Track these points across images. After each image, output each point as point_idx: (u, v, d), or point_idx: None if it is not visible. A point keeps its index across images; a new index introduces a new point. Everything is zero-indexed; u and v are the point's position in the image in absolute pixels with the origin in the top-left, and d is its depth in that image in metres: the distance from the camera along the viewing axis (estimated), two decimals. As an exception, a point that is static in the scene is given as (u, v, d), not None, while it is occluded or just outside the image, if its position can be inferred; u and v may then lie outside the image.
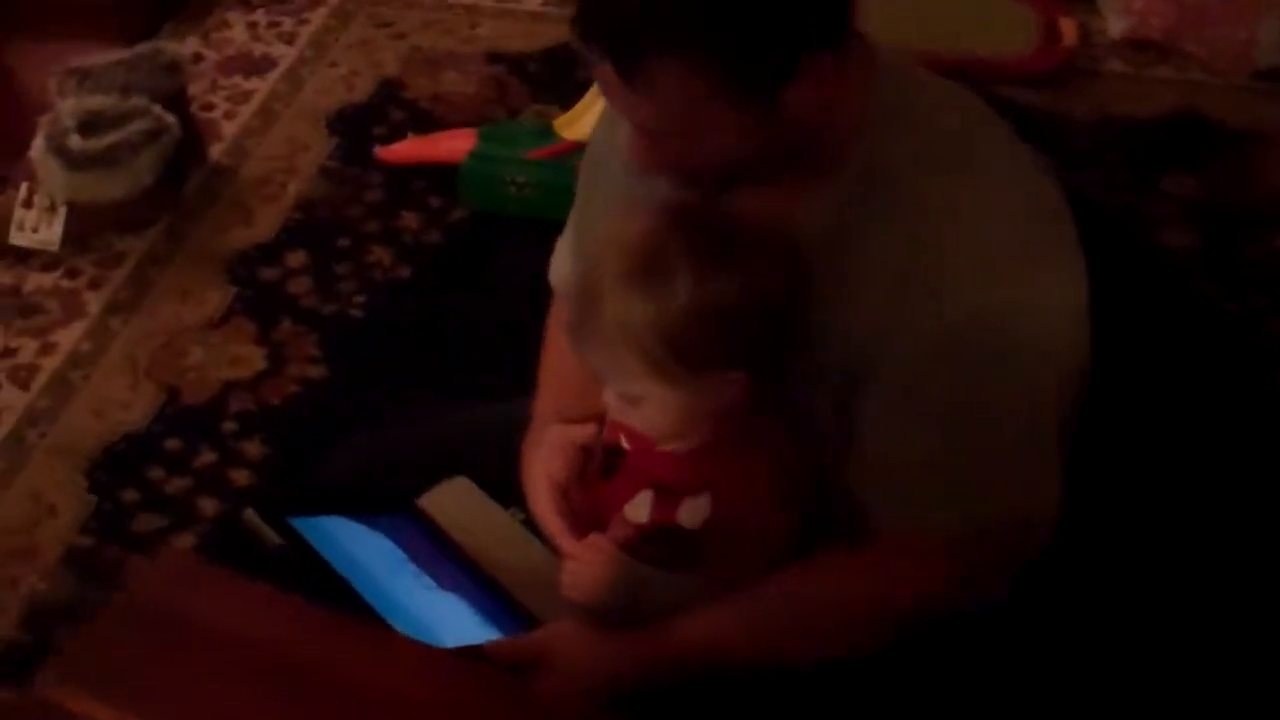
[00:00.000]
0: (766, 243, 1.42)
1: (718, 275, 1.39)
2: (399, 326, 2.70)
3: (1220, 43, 3.14)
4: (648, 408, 1.47)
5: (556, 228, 1.80)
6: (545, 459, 1.63)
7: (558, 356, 1.74)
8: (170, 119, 2.86)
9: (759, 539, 1.52)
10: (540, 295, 1.83)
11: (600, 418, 1.61)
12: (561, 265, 1.77)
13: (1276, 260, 2.76)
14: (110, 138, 2.79)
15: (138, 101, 2.85)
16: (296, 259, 2.84)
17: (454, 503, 1.71)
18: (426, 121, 3.12)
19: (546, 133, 2.90)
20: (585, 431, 1.64)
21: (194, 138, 2.99)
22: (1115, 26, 3.24)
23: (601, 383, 1.50)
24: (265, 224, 2.92)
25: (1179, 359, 2.24)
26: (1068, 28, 3.18)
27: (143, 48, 2.98)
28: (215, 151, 3.07)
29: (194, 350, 2.66)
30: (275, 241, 2.88)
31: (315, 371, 2.62)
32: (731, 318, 1.40)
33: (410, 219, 2.91)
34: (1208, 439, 1.90)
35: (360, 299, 2.75)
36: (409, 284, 2.79)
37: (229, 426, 2.51)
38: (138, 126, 2.82)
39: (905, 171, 1.39)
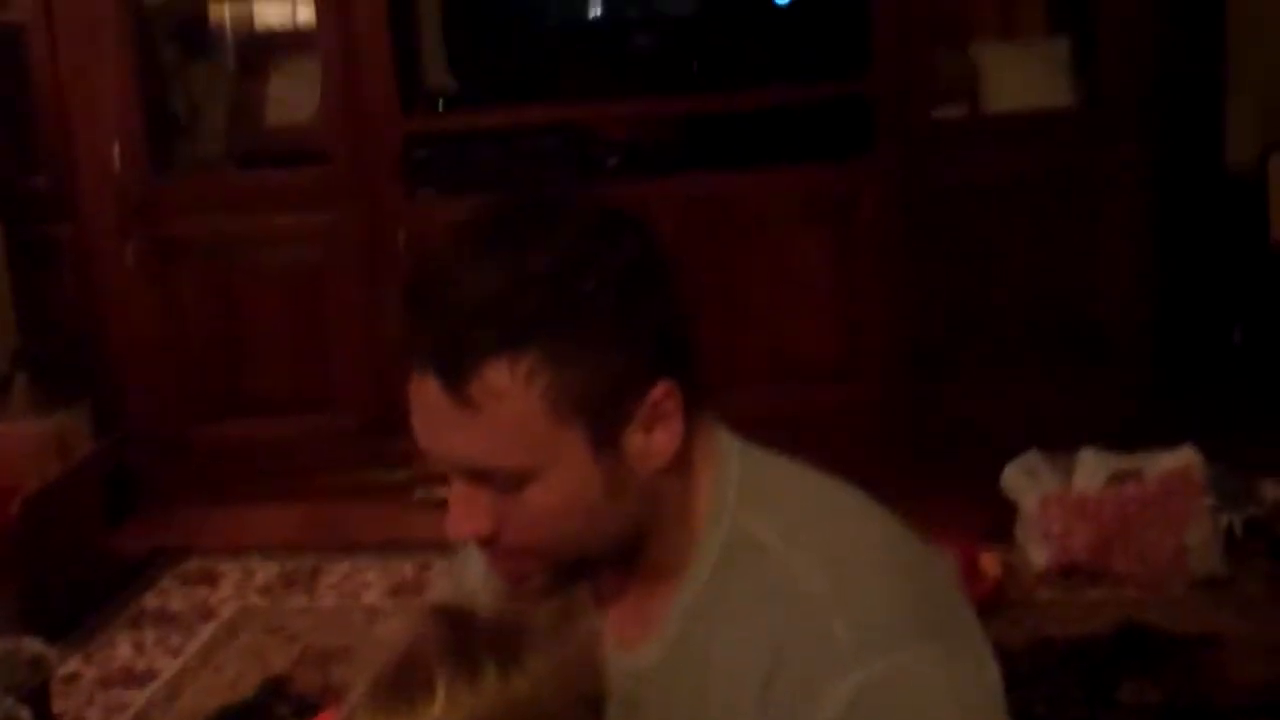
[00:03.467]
0: (552, 646, 1.22)
1: (478, 680, 1.18)
2: None
3: (1151, 556, 3.01)
4: None
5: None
6: None
7: None
8: (24, 713, 2.63)
9: None
10: None
11: None
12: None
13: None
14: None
15: (-11, 693, 2.64)
16: None
17: None
18: (314, 714, 2.89)
19: None
20: None
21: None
22: (1038, 557, 3.12)
23: None
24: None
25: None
26: (989, 564, 3.06)
27: (2, 642, 2.80)
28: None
29: None
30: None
31: None
32: None
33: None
34: None
35: None
36: None
37: None
38: (-15, 720, 2.59)
39: (768, 552, 1.23)
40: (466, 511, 1.22)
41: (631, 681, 1.27)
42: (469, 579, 1.43)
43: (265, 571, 3.56)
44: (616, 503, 1.21)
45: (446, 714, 1.18)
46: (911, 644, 1.18)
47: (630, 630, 1.29)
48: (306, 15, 4.05)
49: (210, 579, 3.55)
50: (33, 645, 2.86)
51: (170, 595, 3.49)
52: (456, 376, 1.15)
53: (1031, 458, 3.26)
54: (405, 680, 1.19)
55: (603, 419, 1.18)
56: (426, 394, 1.17)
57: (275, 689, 3.00)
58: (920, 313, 3.79)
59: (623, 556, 1.26)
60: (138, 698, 3.04)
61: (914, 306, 3.78)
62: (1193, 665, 2.74)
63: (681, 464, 1.23)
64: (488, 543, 1.23)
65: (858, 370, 3.82)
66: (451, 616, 1.25)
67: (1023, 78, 3.84)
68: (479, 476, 1.19)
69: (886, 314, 3.80)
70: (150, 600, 3.47)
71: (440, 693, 1.18)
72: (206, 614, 3.37)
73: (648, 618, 1.28)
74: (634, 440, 1.20)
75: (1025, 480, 3.21)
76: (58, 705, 2.85)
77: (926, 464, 3.50)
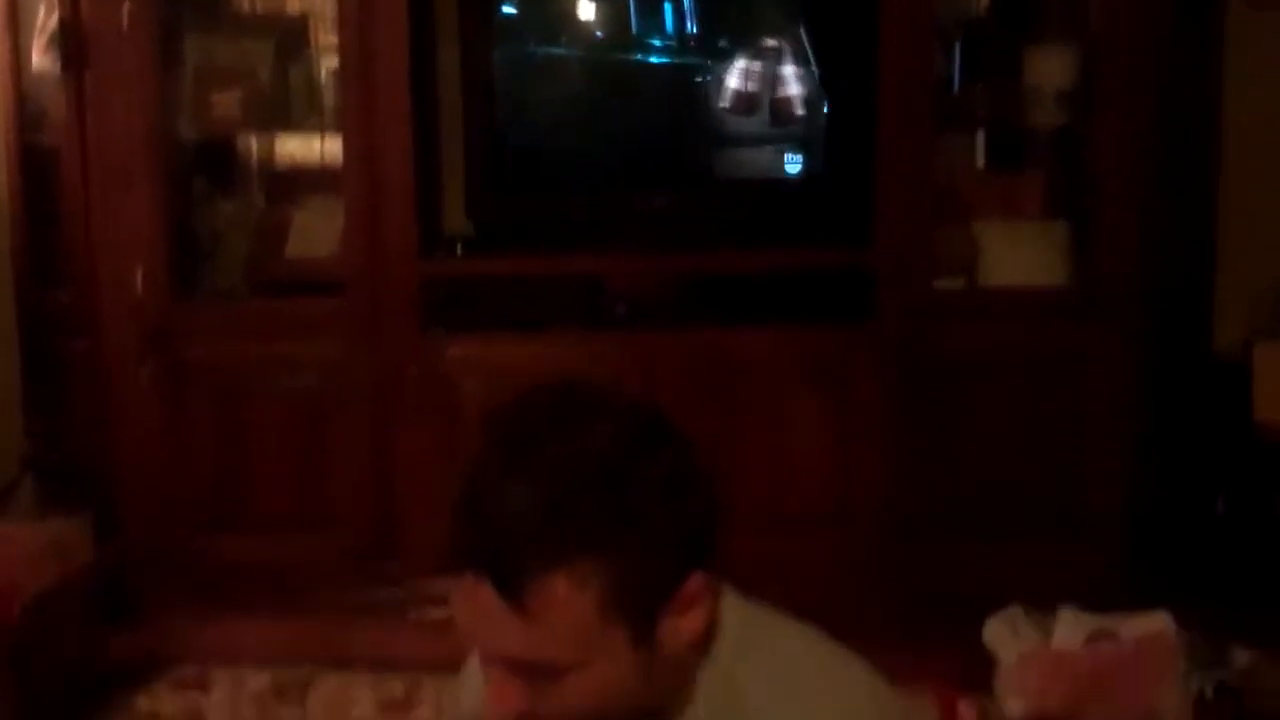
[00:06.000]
0: None
1: None
2: None
3: (1123, 715, 3.06)
4: None
5: None
6: None
7: None
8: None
9: None
10: None
11: None
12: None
13: None
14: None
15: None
16: None
17: None
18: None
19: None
20: None
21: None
22: (1013, 708, 3.18)
23: None
24: None
25: None
26: (966, 713, 3.11)
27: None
28: None
29: None
30: None
31: None
32: None
33: None
34: None
35: None
36: None
37: None
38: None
39: (755, 703, 1.32)
40: (507, 693, 1.28)
41: None
42: (466, 701, 1.51)
43: (257, 681, 3.59)
44: (648, 684, 1.29)
45: None
46: None
47: None
48: (333, 152, 4.19)
49: (203, 686, 3.59)
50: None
51: (163, 700, 3.53)
52: (514, 587, 1.22)
53: (1013, 613, 3.34)
54: None
55: (644, 613, 1.26)
56: (480, 597, 1.24)
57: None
58: (911, 473, 3.90)
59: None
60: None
61: (905, 466, 3.90)
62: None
63: (702, 638, 1.32)
64: (523, 717, 1.30)
65: (849, 523, 3.93)
66: None
67: (1020, 256, 4.00)
68: (524, 667, 1.27)
69: (879, 472, 3.91)
70: (143, 703, 3.51)
71: None
72: (198, 720, 3.42)
73: None
74: (667, 626, 1.28)
75: (1006, 634, 3.29)
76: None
77: (912, 613, 3.57)
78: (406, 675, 3.54)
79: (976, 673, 3.31)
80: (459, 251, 4.11)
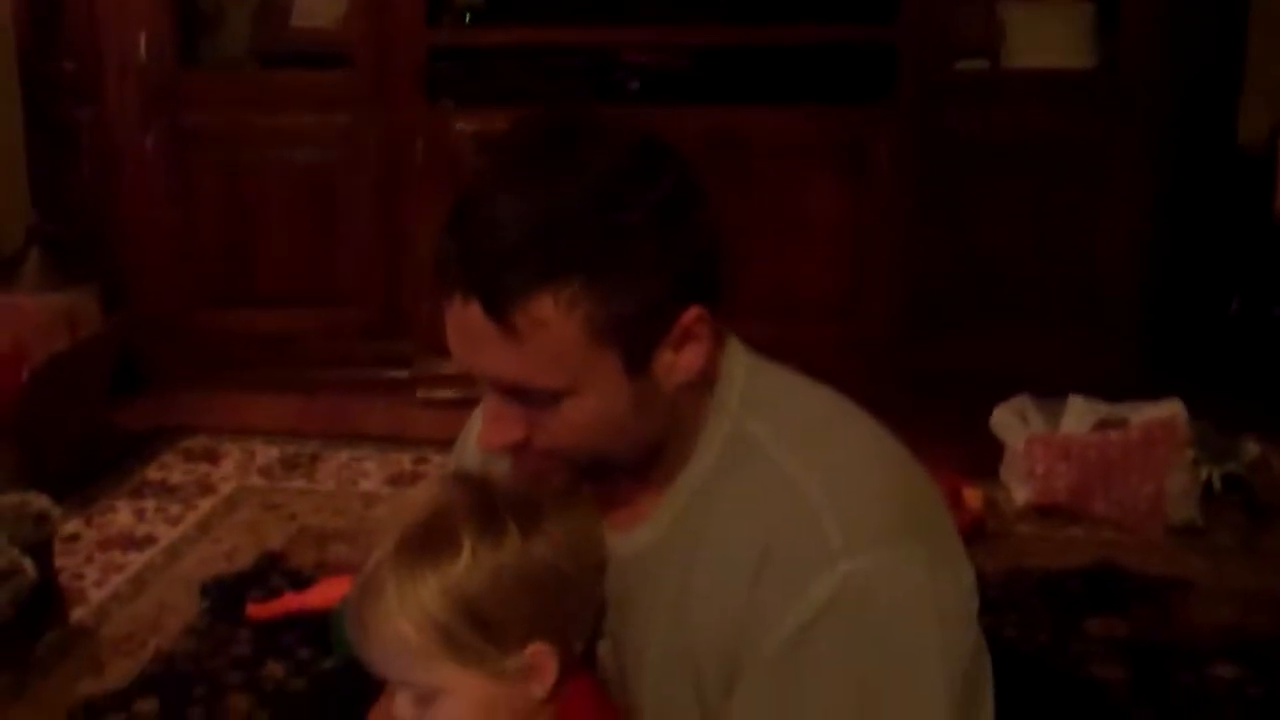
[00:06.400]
0: (564, 517, 1.31)
1: (502, 539, 1.27)
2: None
3: (1129, 501, 3.08)
4: (444, 704, 1.28)
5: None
6: None
7: None
8: (27, 563, 2.69)
9: None
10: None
11: None
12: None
13: (1211, 688, 2.55)
14: (-43, 574, 2.62)
15: (-6, 540, 2.71)
16: (146, 705, 2.58)
17: None
18: (308, 587, 2.95)
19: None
20: None
21: (54, 594, 2.81)
22: (1019, 493, 3.20)
23: (391, 690, 1.33)
24: (118, 675, 2.68)
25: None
26: (972, 497, 3.12)
27: (9, 497, 2.86)
28: (77, 614, 2.87)
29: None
30: (125, 690, 2.63)
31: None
32: (525, 581, 1.27)
33: (276, 669, 2.68)
34: None
35: (208, 736, 2.49)
36: (265, 725, 2.53)
37: None
38: (-11, 563, 2.65)
39: (765, 449, 1.29)
40: (501, 423, 1.27)
41: (620, 566, 1.34)
42: (469, 445, 1.50)
43: (266, 454, 3.63)
44: (642, 416, 1.26)
45: (470, 571, 1.25)
46: (899, 544, 1.23)
47: (622, 520, 1.35)
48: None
49: (212, 457, 3.62)
50: (39, 501, 2.91)
51: (172, 469, 3.56)
52: (501, 307, 1.19)
53: (1022, 401, 3.33)
54: (431, 538, 1.27)
55: (637, 342, 1.22)
56: (468, 319, 1.21)
57: (272, 563, 3.06)
58: (925, 257, 3.85)
59: (638, 462, 1.31)
60: (136, 560, 3.11)
61: (919, 251, 3.85)
62: (1161, 605, 2.81)
63: (700, 377, 1.29)
64: (517, 449, 1.28)
65: (860, 309, 3.89)
66: (474, 483, 1.33)
67: (1045, 37, 3.89)
68: (515, 393, 1.24)
69: (892, 257, 3.86)
70: (152, 472, 3.54)
71: (465, 550, 1.26)
72: (207, 489, 3.44)
73: (643, 508, 1.34)
74: (663, 359, 1.24)
75: (1014, 421, 3.28)
76: (58, 562, 2.91)
77: (920, 401, 3.56)
78: (413, 451, 3.56)
79: (983, 462, 3.31)
80: (467, 21, 3.99)
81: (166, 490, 3.45)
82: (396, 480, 3.40)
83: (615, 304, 1.20)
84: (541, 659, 1.28)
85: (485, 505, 1.28)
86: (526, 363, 1.21)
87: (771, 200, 3.88)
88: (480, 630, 1.25)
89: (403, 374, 3.92)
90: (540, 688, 1.29)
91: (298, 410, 3.88)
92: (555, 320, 1.19)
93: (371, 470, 3.51)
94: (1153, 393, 3.32)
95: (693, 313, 1.24)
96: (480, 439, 1.31)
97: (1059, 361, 3.74)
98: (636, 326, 1.22)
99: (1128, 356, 3.76)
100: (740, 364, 1.33)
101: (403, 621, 1.25)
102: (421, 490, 1.33)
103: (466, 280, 1.20)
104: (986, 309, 3.87)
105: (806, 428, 1.31)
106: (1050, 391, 3.38)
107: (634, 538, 1.33)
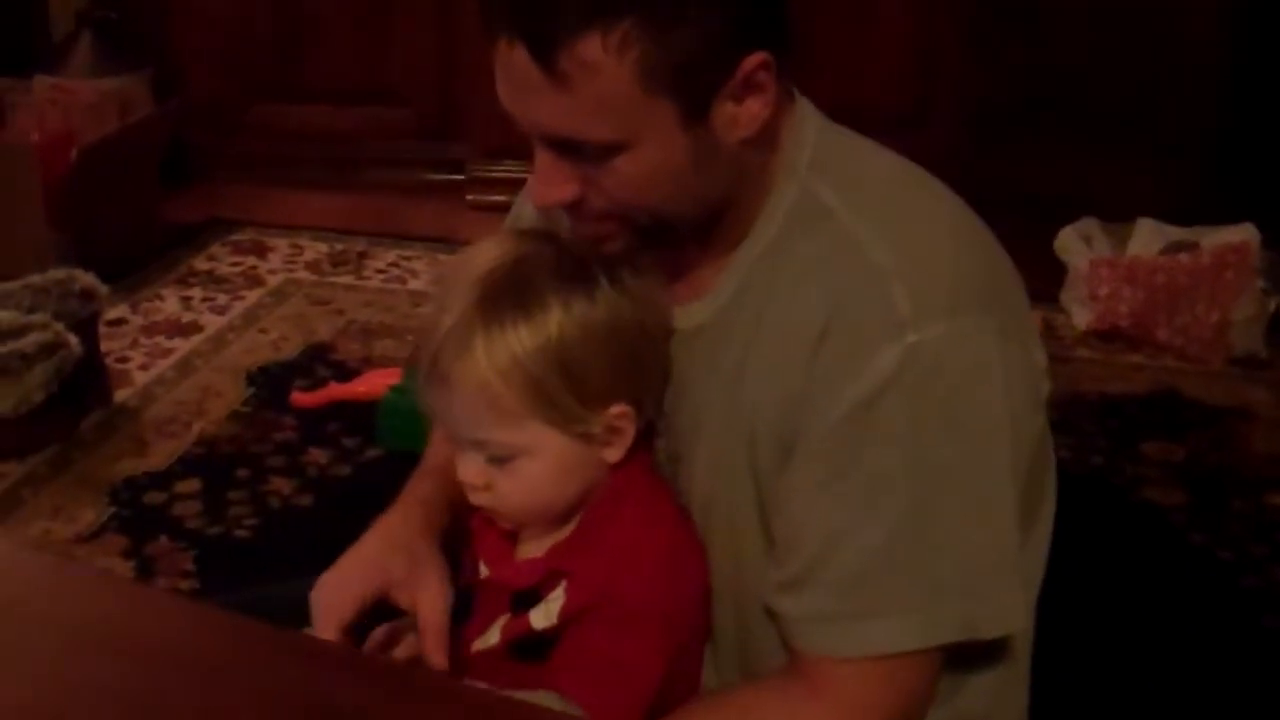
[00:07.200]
0: (636, 267, 1.25)
1: (593, 291, 1.22)
2: (288, 550, 2.41)
3: (1193, 329, 2.99)
4: (520, 465, 1.24)
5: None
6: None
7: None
8: (71, 338, 2.68)
9: (641, 623, 1.24)
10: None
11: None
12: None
13: (1269, 514, 2.50)
14: (3, 347, 2.61)
15: (38, 316, 2.69)
16: (188, 486, 2.59)
17: None
18: (354, 379, 2.94)
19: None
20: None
21: (98, 372, 2.81)
22: (1080, 317, 3.12)
23: (460, 449, 1.27)
24: (160, 456, 2.68)
25: (1169, 602, 2.29)
26: (1032, 318, 3.04)
27: (56, 273, 2.84)
28: (122, 395, 2.87)
29: (53, 559, 2.37)
30: (167, 470, 2.64)
31: (185, 585, 2.32)
32: (615, 335, 1.22)
33: (319, 455, 2.68)
34: (1202, 678, 1.96)
35: (251, 522, 2.49)
36: (308, 512, 2.53)
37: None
38: (34, 339, 2.63)
39: (834, 214, 1.21)
40: (553, 179, 1.19)
41: (678, 342, 1.28)
42: (525, 208, 1.44)
43: (314, 249, 3.60)
44: (702, 172, 1.18)
45: (562, 323, 1.20)
46: (970, 314, 1.16)
47: (682, 294, 1.29)
48: None
49: (260, 250, 3.59)
50: (84, 278, 2.89)
51: (219, 260, 3.54)
52: (547, 49, 1.11)
53: (1088, 224, 3.22)
54: (519, 289, 1.21)
55: (694, 90, 1.14)
56: (514, 63, 1.13)
57: (317, 353, 3.05)
58: (994, 70, 3.71)
59: (702, 224, 1.24)
60: (182, 345, 3.10)
61: (988, 63, 3.71)
62: (1219, 433, 2.75)
63: (765, 135, 1.21)
64: (573, 208, 1.22)
65: (924, 121, 3.76)
66: (549, 236, 1.27)
67: None
68: (567, 146, 1.17)
69: (960, 70, 3.73)
70: (199, 262, 3.52)
71: (557, 301, 1.20)
72: (254, 281, 3.42)
73: (704, 280, 1.27)
74: (723, 110, 1.16)
75: (1079, 243, 3.18)
76: (102, 345, 2.90)
77: (982, 217, 3.46)
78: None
79: (1044, 284, 3.20)
80: None
81: (214, 280, 3.42)
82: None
83: (670, 46, 1.11)
84: (624, 421, 1.24)
85: (570, 257, 1.23)
86: (576, 112, 1.13)
87: (836, 7, 3.75)
88: (570, 384, 1.21)
89: (455, 177, 3.85)
90: (615, 452, 1.25)
91: (347, 208, 3.82)
92: (605, 64, 1.11)
93: (420, 270, 3.46)
94: (1224, 216, 3.20)
95: (755, 59, 1.15)
96: (534, 196, 1.24)
97: (1128, 180, 3.60)
98: (693, 72, 1.13)
99: (1200, 180, 3.63)
100: (811, 126, 1.26)
101: (492, 373, 1.20)
102: (487, 247, 1.24)
103: (511, 20, 1.12)
104: (1053, 127, 3.72)
105: (880, 194, 1.24)
106: (1119, 210, 3.27)
107: (692, 311, 1.27)
